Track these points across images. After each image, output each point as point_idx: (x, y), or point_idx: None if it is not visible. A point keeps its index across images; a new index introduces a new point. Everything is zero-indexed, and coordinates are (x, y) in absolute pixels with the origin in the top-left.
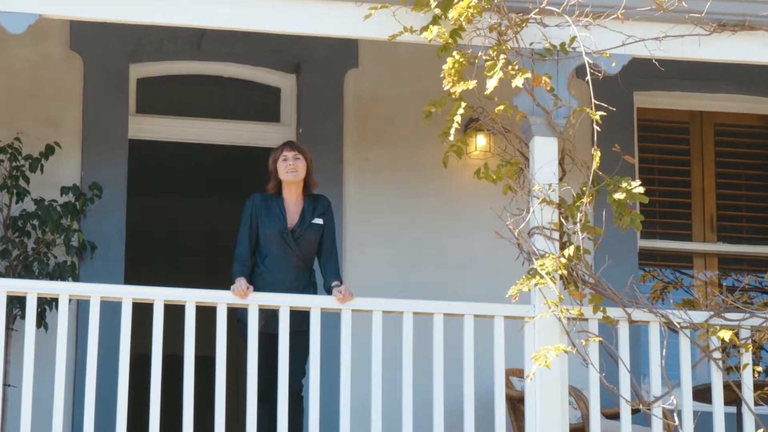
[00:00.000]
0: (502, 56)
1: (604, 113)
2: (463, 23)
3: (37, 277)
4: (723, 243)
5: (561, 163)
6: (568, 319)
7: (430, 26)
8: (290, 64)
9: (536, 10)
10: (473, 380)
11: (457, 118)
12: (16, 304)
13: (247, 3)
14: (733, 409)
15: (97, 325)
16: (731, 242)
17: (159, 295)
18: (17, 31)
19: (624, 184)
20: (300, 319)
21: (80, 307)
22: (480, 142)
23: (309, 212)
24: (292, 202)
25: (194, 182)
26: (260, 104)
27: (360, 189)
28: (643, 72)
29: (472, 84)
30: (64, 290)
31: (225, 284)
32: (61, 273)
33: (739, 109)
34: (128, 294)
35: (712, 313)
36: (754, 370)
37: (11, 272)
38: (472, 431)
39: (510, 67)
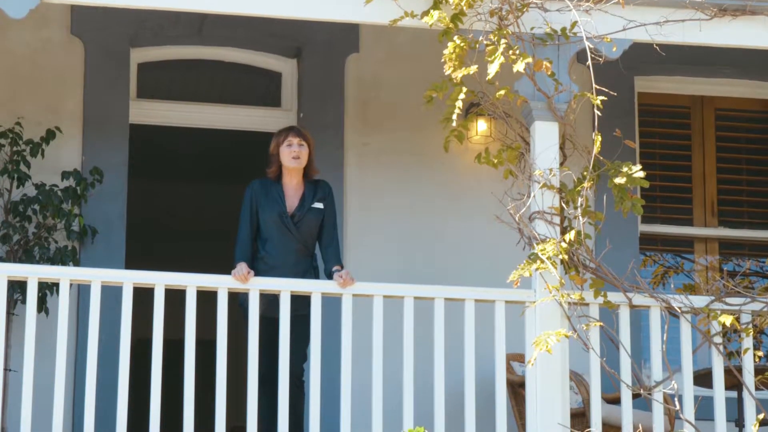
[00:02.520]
0: (503, 41)
1: (605, 98)
2: (464, 8)
3: (38, 262)
4: (724, 228)
5: (562, 148)
6: (569, 303)
7: (431, 11)
8: (291, 48)
9: None
10: (474, 365)
11: (458, 103)
12: (17, 288)
13: None
14: (733, 394)
15: (98, 310)
16: (732, 227)
17: (160, 280)
18: (18, 15)
19: (625, 169)
20: (301, 303)
21: (81, 291)
22: (481, 126)
23: (309, 197)
24: (292, 187)
25: (195, 167)
26: (261, 89)
27: (361, 174)
28: (644, 57)
29: (473, 69)
30: (64, 275)
31: (226, 269)
32: (61, 258)
33: (739, 94)
34: (129, 278)
35: (713, 297)
36: (755, 355)
37: (12, 257)
38: (472, 416)
39: (511, 52)
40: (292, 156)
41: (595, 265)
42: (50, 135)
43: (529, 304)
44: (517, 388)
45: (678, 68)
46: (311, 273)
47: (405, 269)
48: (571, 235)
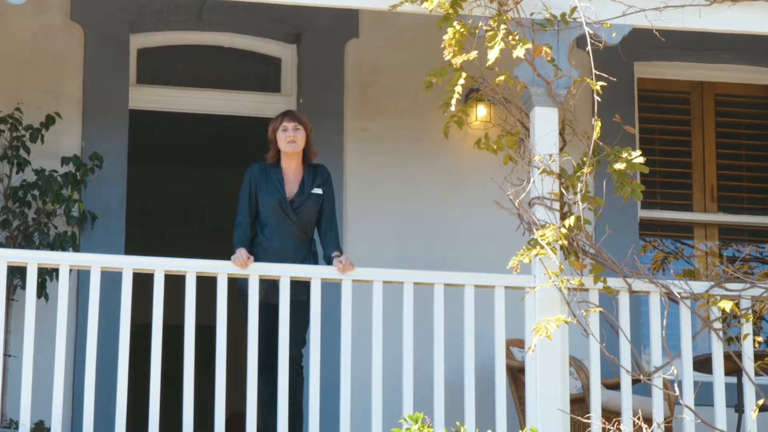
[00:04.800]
0: (502, 27)
1: (605, 83)
2: None
3: (38, 248)
4: (723, 213)
5: (561, 134)
6: (569, 289)
7: None
8: (291, 34)
9: None
10: (474, 350)
11: (458, 89)
12: (17, 274)
13: None
14: (733, 380)
15: (97, 296)
16: (732, 212)
17: (159, 266)
18: (18, 1)
19: (624, 154)
20: (300, 289)
21: (81, 277)
22: (480, 112)
23: (308, 182)
24: (291, 171)
25: (195, 152)
26: (261, 74)
27: (360, 159)
28: (644, 42)
29: (473, 55)
30: (64, 260)
31: (225, 254)
32: (61, 243)
33: (739, 80)
34: (129, 264)
35: (712, 283)
36: (754, 341)
37: (12, 242)
38: (472, 401)
39: (510, 38)
40: (287, 140)
41: (594, 250)
42: (50, 120)
43: (529, 290)
44: (516, 374)
45: (678, 54)
46: (310, 258)
47: (404, 255)
48: (570, 221)
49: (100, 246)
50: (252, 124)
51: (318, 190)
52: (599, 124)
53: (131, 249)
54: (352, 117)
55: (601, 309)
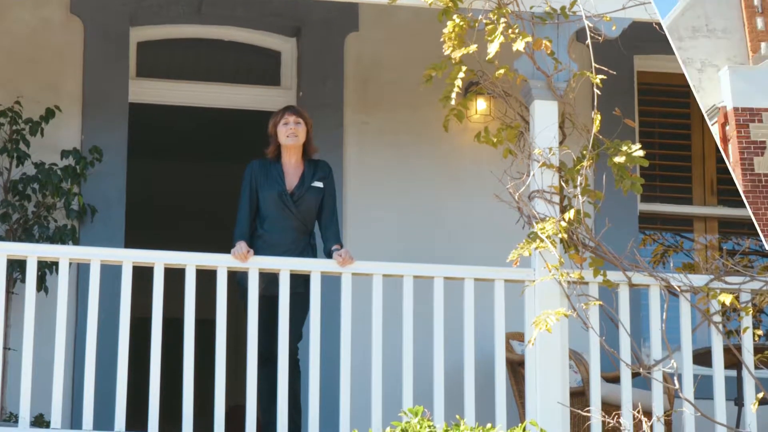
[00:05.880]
0: (502, 20)
1: (605, 77)
2: None
3: (38, 241)
4: (723, 206)
5: (561, 127)
6: (569, 282)
7: None
8: (290, 27)
9: None
10: (473, 344)
11: (458, 82)
12: (17, 267)
13: None
14: (733, 373)
15: (97, 289)
16: (731, 206)
17: (159, 259)
18: None
19: (624, 148)
20: (297, 281)
21: (80, 270)
22: (480, 105)
23: (309, 175)
24: (292, 165)
25: (194, 146)
26: (261, 68)
27: (360, 153)
28: (644, 35)
29: (472, 48)
30: (64, 254)
31: (225, 248)
32: (61, 236)
33: None
34: (128, 257)
35: (712, 276)
36: (754, 334)
37: (11, 236)
38: (472, 395)
39: (510, 31)
40: (287, 134)
41: (594, 243)
42: (50, 114)
43: (529, 283)
44: (516, 367)
45: None
46: (309, 251)
47: (404, 248)
48: (570, 214)
49: (99, 239)
50: (252, 118)
51: (318, 184)
52: (599, 117)
53: (131, 242)
54: (352, 110)
55: (601, 302)
